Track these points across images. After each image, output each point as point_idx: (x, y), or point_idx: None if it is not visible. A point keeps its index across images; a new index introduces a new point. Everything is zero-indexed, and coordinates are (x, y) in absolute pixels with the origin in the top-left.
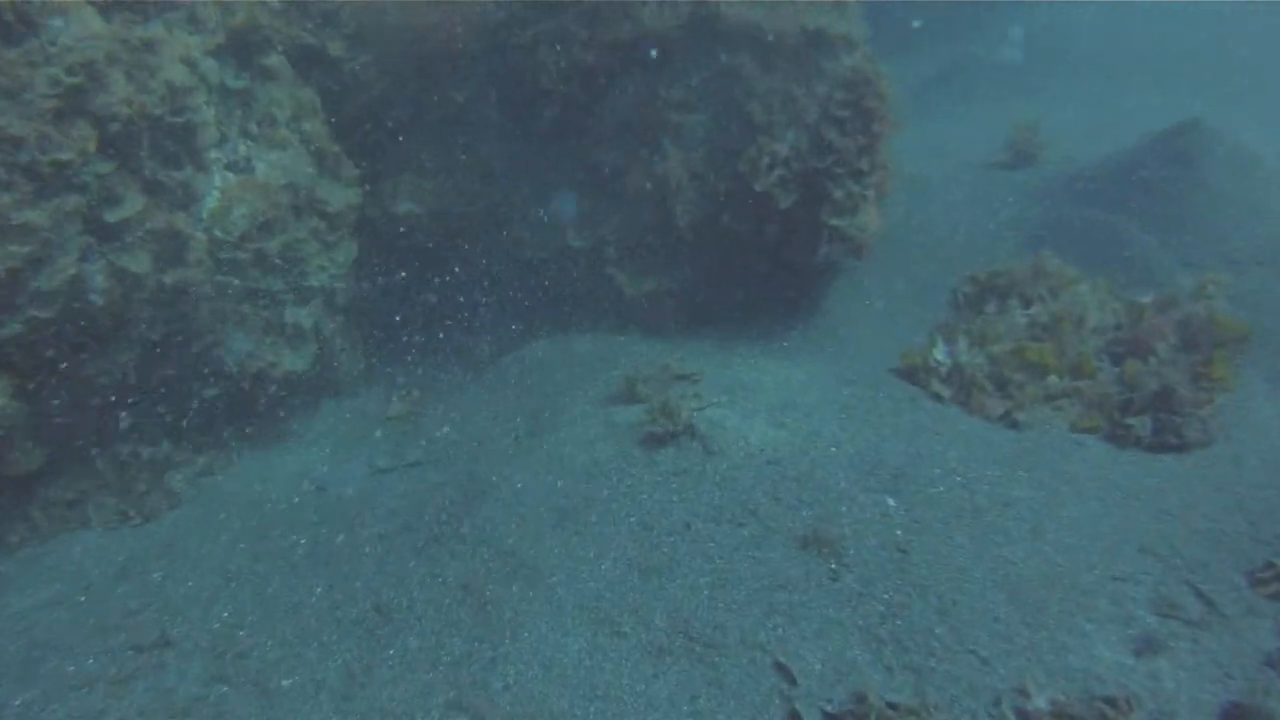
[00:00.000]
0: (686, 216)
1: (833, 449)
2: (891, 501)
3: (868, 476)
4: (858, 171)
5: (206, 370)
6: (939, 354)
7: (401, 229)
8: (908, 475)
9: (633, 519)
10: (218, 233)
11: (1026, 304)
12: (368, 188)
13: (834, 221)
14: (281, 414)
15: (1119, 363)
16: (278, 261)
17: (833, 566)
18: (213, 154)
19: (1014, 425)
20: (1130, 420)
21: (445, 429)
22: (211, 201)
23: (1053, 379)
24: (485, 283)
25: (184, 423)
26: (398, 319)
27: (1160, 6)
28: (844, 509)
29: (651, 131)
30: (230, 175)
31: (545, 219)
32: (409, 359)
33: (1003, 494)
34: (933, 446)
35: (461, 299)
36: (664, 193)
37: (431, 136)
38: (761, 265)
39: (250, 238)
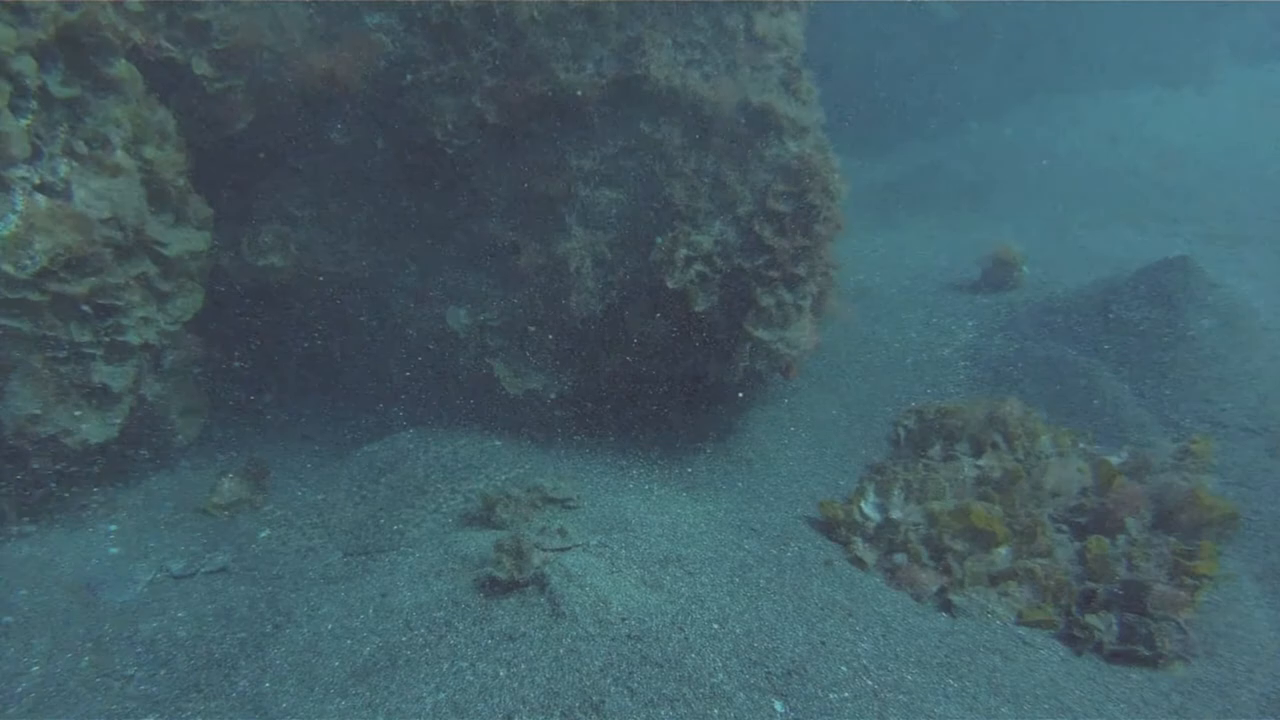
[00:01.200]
0: (584, 308)
1: (715, 626)
2: (779, 707)
3: (754, 668)
4: (793, 277)
5: None
6: (868, 507)
7: (262, 286)
8: (805, 672)
9: (441, 696)
10: (6, 266)
11: (978, 451)
12: (218, 239)
13: (759, 333)
14: (75, 487)
15: (1081, 536)
16: (86, 309)
17: None
18: (19, 171)
19: (948, 609)
20: (1091, 619)
21: (265, 532)
22: (6, 228)
23: (1000, 553)
24: (355, 358)
25: None
26: (248, 391)
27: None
28: (715, 713)
29: (555, 205)
30: (39, 199)
31: (427, 293)
32: (257, 437)
33: (925, 714)
34: (842, 633)
35: (325, 374)
36: (561, 277)
37: (305, 182)
38: (669, 374)
39: (51, 277)
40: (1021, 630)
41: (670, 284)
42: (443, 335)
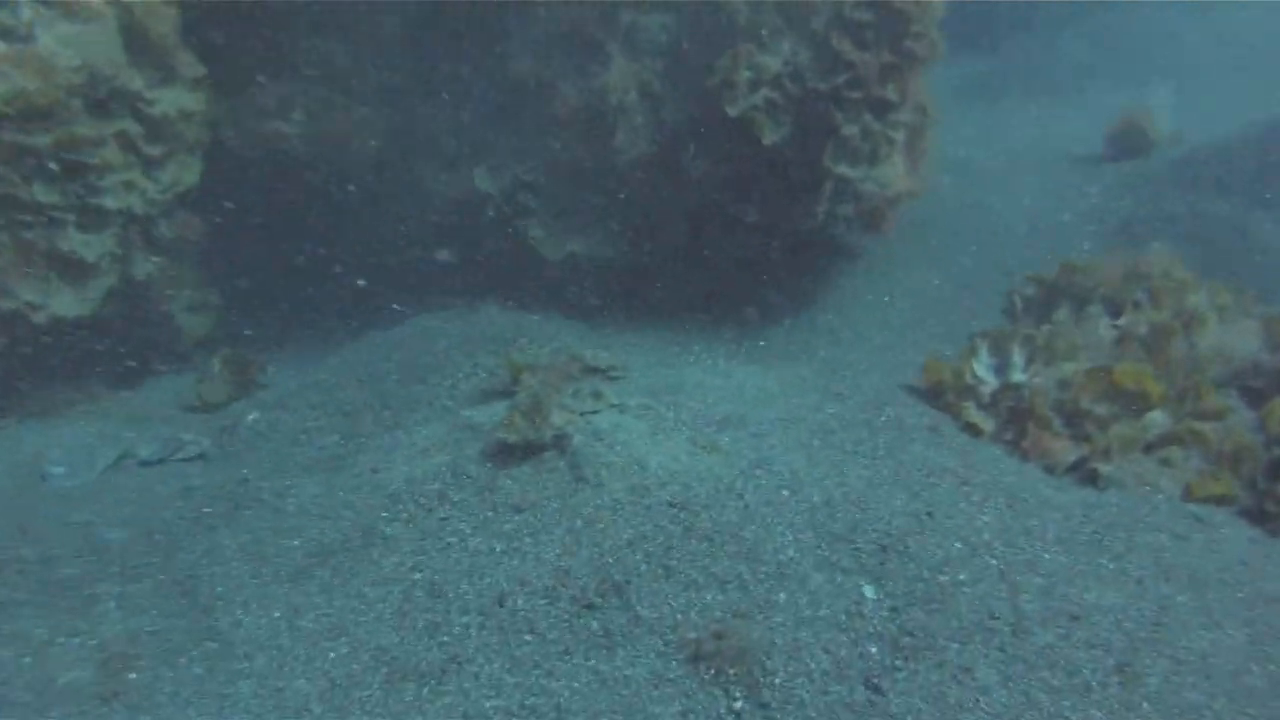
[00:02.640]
0: (632, 150)
1: (785, 492)
2: (870, 592)
3: (837, 543)
4: (881, 101)
5: None
6: (981, 368)
7: (269, 158)
8: (906, 549)
9: (418, 576)
10: None
11: (1116, 313)
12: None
13: (842, 169)
14: (60, 374)
15: (1257, 404)
16: (53, 167)
17: (737, 707)
18: None
19: (1093, 481)
20: None
21: (254, 415)
22: None
23: (1156, 416)
24: (376, 234)
25: None
26: (260, 279)
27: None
28: (782, 597)
29: (594, 34)
30: None
31: (454, 154)
32: (274, 329)
33: (1071, 601)
34: (955, 503)
35: (345, 256)
36: (603, 115)
37: (308, 35)
38: (737, 228)
39: (6, 125)
40: (1193, 507)
41: (732, 111)
42: (473, 201)
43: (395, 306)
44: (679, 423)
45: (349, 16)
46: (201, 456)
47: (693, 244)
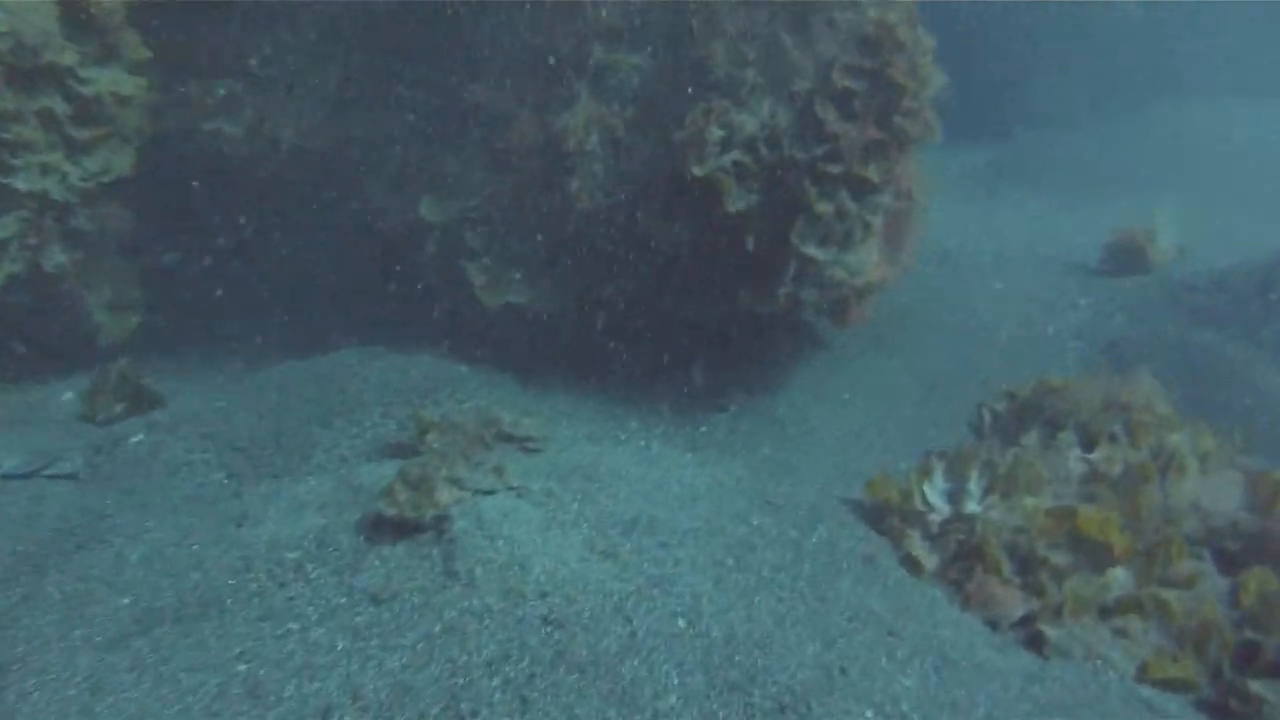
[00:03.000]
0: (588, 200)
1: (682, 622)
2: None
3: (730, 693)
4: (860, 180)
5: None
6: (933, 492)
7: (211, 157)
8: (808, 710)
9: (243, 667)
10: None
11: (1089, 443)
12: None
13: (810, 249)
14: None
15: (1230, 570)
16: None
17: None
18: None
19: (1037, 644)
20: (1257, 686)
21: (139, 437)
22: None
23: (1117, 574)
24: (310, 253)
25: None
26: (187, 284)
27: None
28: None
29: (562, 67)
30: None
31: (403, 175)
32: (191, 333)
33: None
34: (875, 659)
35: (281, 271)
36: (561, 158)
37: (265, 29)
38: (691, 299)
39: None
40: (1145, 690)
41: (697, 171)
42: (417, 229)
43: (333, 339)
44: (580, 518)
45: (307, 15)
46: (73, 476)
47: (643, 308)
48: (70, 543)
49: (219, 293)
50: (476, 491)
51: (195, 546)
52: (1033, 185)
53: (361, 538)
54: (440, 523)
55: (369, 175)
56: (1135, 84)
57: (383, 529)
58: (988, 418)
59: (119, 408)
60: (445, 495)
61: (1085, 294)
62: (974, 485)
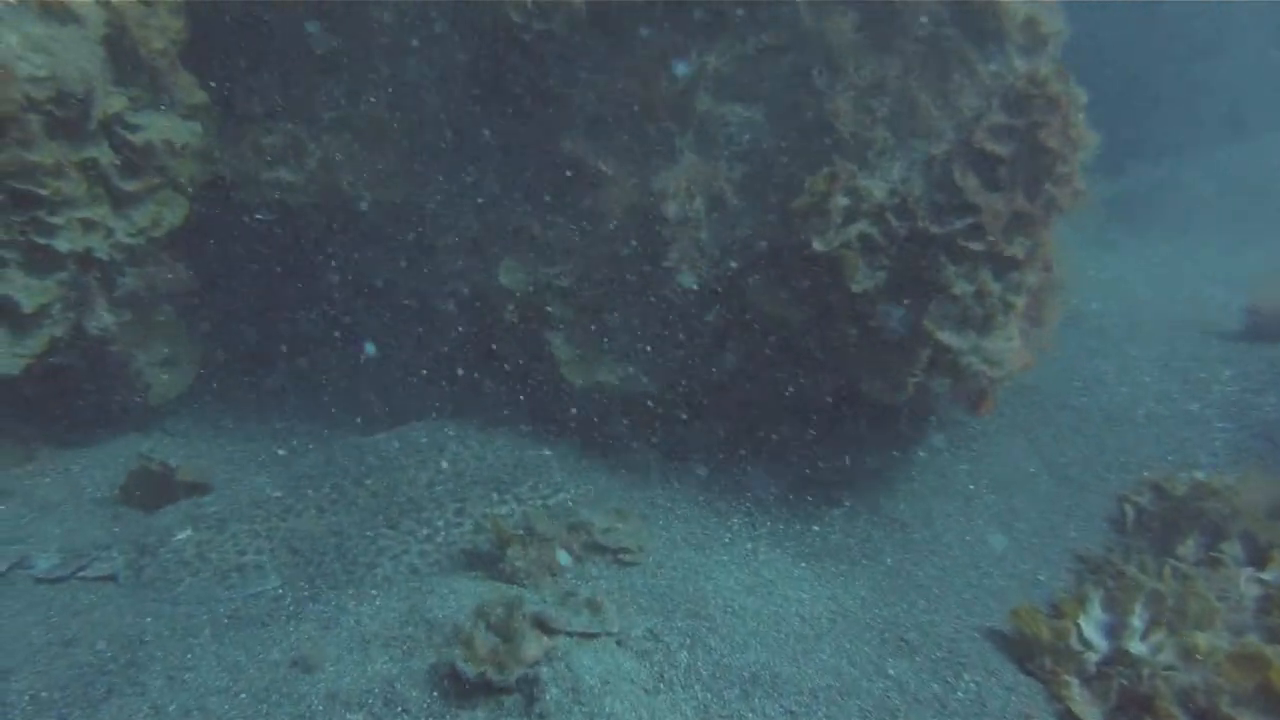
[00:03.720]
0: (692, 270)
1: None
2: None
3: None
4: (1005, 258)
5: None
6: (1089, 626)
7: (274, 209)
8: None
9: None
10: None
11: (1257, 557)
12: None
13: (944, 335)
14: None
15: None
16: None
17: None
18: None
19: None
20: None
21: (186, 533)
22: None
23: None
24: (383, 316)
25: None
26: (246, 346)
27: None
28: None
29: (663, 120)
30: None
31: (481, 236)
32: (243, 398)
33: None
34: None
35: (345, 336)
36: (660, 223)
37: (332, 72)
38: (806, 385)
39: None
40: None
41: (818, 246)
42: (493, 296)
43: (399, 388)
44: (692, 675)
45: (382, 58)
46: (112, 578)
47: (750, 391)
48: (101, 686)
49: (280, 350)
50: (569, 635)
51: (243, 695)
52: (1151, 228)
53: (435, 694)
54: (528, 685)
55: (444, 234)
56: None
57: (459, 686)
58: (1131, 514)
59: (161, 493)
60: (533, 648)
61: (1229, 364)
62: (1137, 619)
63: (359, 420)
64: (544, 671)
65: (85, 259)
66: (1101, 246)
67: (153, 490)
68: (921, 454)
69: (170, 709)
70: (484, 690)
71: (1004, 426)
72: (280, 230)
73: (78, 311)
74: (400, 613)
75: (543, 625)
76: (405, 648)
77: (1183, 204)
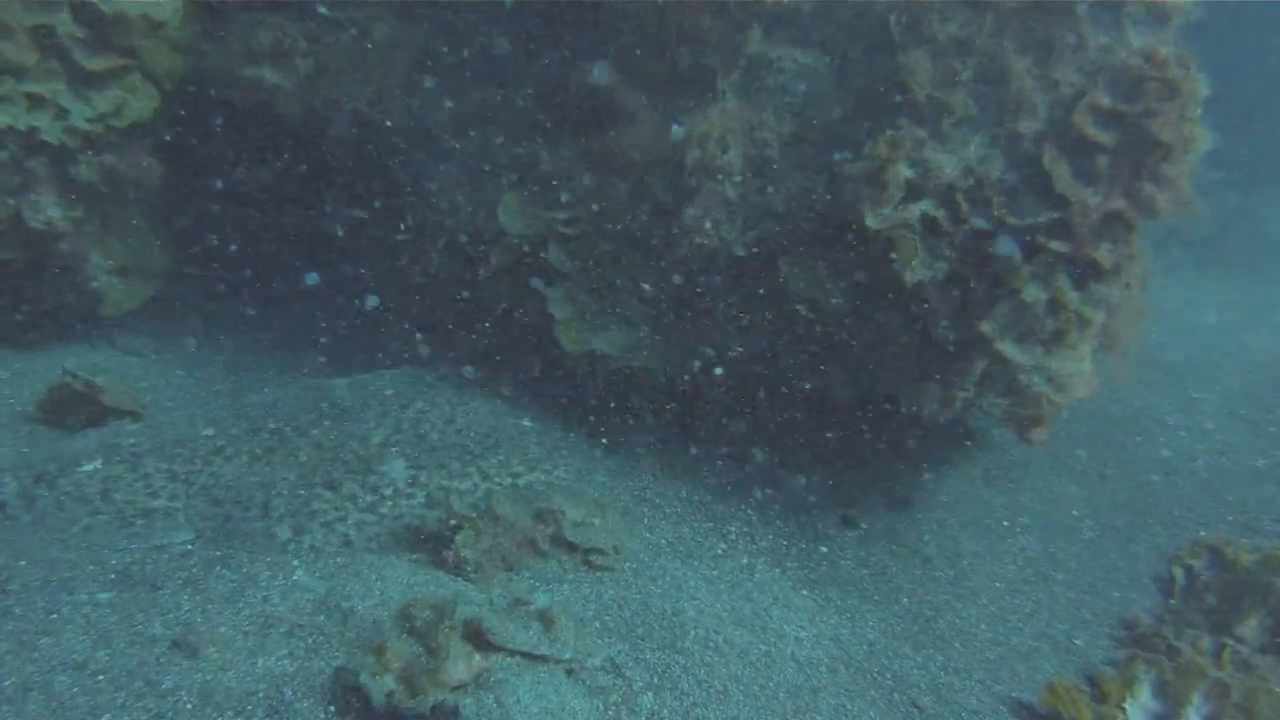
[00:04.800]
0: (712, 236)
1: None
2: None
3: None
4: (1088, 265)
5: None
6: (1139, 715)
7: (259, 112)
8: None
9: None
10: None
11: None
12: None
13: (1005, 347)
14: None
15: None
16: None
17: None
18: None
19: None
20: None
21: (92, 465)
22: None
23: None
24: (360, 244)
25: None
26: (217, 260)
27: None
28: None
29: (705, 55)
30: None
31: (483, 164)
32: (208, 314)
33: None
34: None
35: (324, 259)
36: (682, 175)
37: None
38: (833, 384)
39: None
40: None
41: (871, 222)
42: (488, 236)
43: (377, 327)
44: None
45: None
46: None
47: (769, 381)
48: None
49: (247, 273)
50: (510, 654)
51: (101, 678)
52: (1221, 262)
53: (331, 711)
54: (445, 714)
55: (442, 160)
56: None
57: (364, 703)
58: (1181, 578)
59: (86, 411)
60: (459, 668)
61: None
62: (1195, 712)
63: (322, 360)
64: (466, 704)
65: (29, 140)
66: (1164, 280)
67: (74, 411)
68: (953, 477)
69: (6, 683)
70: (390, 716)
71: (1045, 458)
72: (263, 141)
73: (17, 199)
74: (316, 595)
75: (478, 637)
76: (311, 641)
77: (1261, 240)
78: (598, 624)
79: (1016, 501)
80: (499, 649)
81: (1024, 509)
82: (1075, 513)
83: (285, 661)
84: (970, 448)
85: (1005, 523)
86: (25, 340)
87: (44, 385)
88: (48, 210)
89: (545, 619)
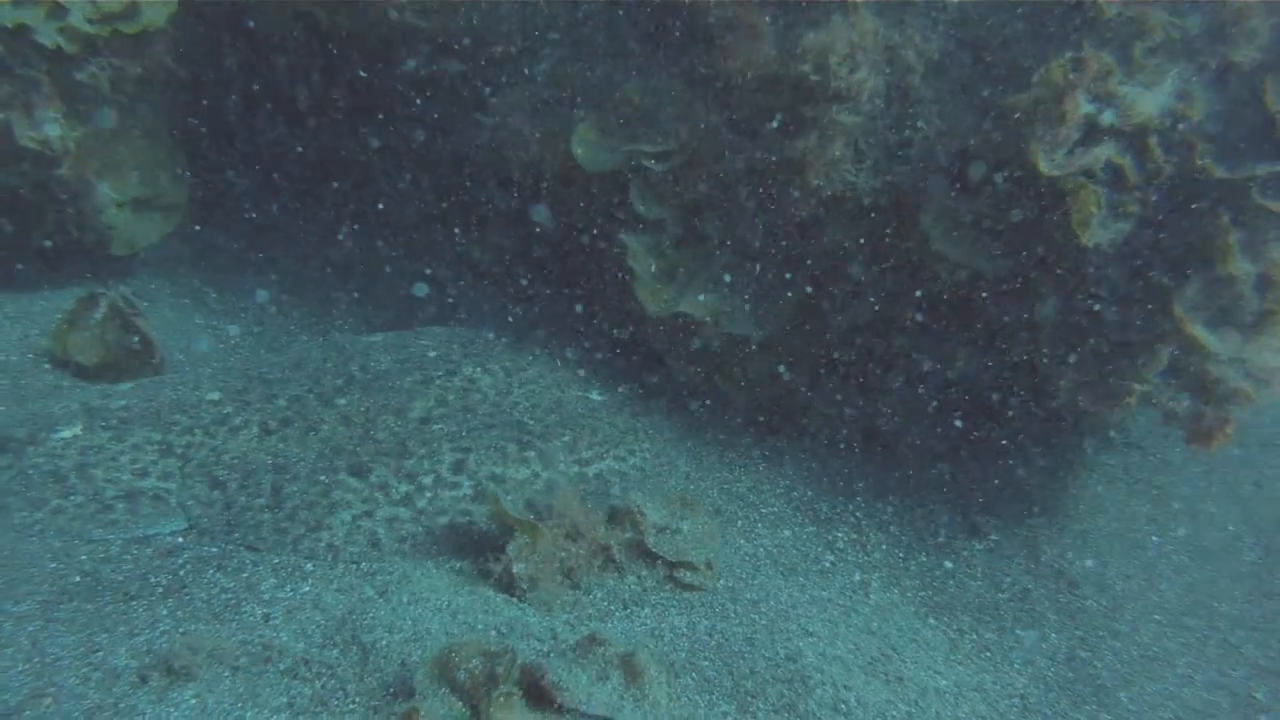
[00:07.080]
0: (836, 176)
1: None
2: None
3: None
4: None
5: None
6: None
7: (298, 19)
8: None
9: None
10: None
11: None
12: None
13: (1198, 331)
14: None
15: None
16: None
17: None
18: None
19: None
20: None
21: (72, 430)
22: None
23: None
24: (406, 179)
25: None
26: (248, 187)
27: None
28: None
29: None
30: None
31: (561, 88)
32: (239, 254)
33: None
34: None
35: (356, 194)
36: (801, 99)
37: None
38: (974, 365)
39: None
40: None
41: (1044, 167)
42: (561, 171)
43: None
44: None
45: None
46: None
47: (891, 357)
48: None
49: (274, 209)
50: (568, 710)
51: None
52: None
53: None
54: None
55: (510, 80)
56: None
57: None
58: None
59: (102, 354)
60: None
61: None
62: None
63: (358, 312)
64: None
65: (19, 39)
66: None
67: (116, 338)
68: (1096, 481)
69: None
70: None
71: (1192, 460)
72: (303, 55)
73: (7, 112)
74: (331, 618)
75: (540, 694)
76: (319, 686)
77: None
78: (693, 675)
79: (1163, 512)
80: (567, 711)
81: (1175, 523)
82: (1232, 528)
83: (282, 717)
84: (1114, 441)
85: (1154, 538)
86: (20, 283)
87: (41, 329)
88: (45, 127)
89: (629, 668)
